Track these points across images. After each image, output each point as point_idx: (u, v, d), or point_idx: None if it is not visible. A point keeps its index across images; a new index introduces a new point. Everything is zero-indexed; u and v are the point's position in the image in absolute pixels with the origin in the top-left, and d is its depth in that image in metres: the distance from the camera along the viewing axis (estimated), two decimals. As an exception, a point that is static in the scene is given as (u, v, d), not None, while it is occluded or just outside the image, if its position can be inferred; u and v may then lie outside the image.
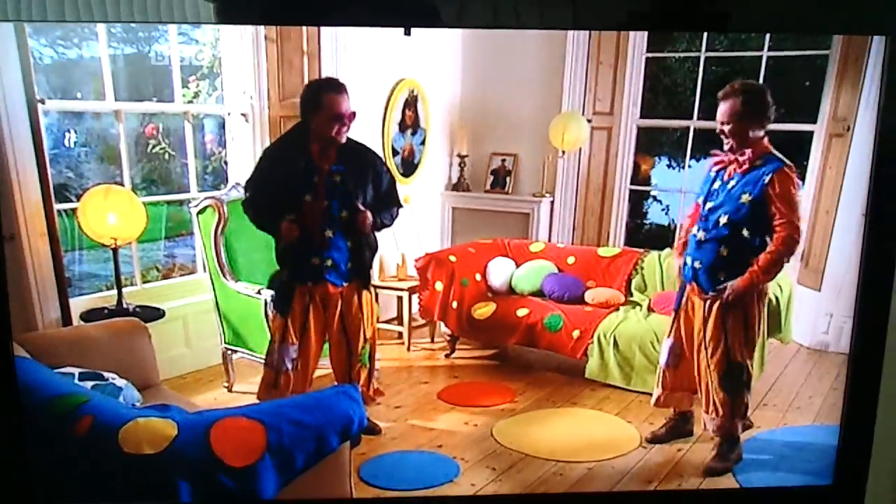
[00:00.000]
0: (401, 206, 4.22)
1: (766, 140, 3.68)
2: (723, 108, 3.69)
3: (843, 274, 4.85)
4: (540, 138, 5.93)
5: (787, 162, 3.66)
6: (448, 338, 5.40)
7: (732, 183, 3.71)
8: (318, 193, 3.89)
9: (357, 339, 4.12)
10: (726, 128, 3.69)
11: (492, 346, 5.45)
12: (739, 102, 3.65)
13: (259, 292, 4.24)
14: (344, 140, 3.88)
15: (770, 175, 3.62)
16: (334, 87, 3.85)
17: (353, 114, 3.86)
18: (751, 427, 4.00)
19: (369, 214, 3.99)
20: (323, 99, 3.82)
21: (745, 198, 3.66)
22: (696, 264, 3.85)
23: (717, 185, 3.79)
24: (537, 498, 3.71)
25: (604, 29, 5.34)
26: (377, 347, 4.42)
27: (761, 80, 5.28)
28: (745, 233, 3.70)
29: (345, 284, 4.04)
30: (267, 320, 4.18)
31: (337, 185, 3.91)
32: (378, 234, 4.10)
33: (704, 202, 3.82)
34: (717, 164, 3.81)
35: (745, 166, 3.68)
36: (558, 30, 5.21)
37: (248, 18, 3.67)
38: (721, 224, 3.73)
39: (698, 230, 3.83)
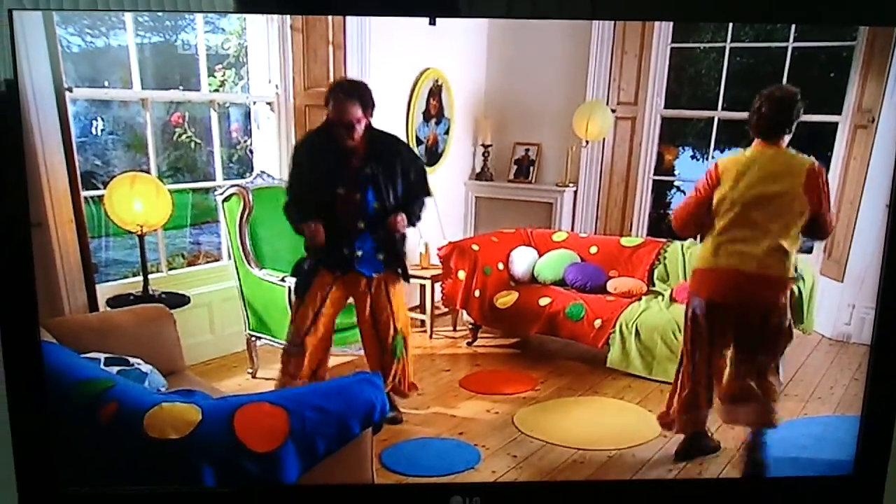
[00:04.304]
0: (430, 194, 4.21)
1: None
2: None
3: (866, 265, 4.83)
4: (564, 128, 5.93)
5: None
6: (470, 326, 5.41)
7: None
8: (349, 185, 3.92)
9: (387, 331, 4.15)
10: None
11: (514, 334, 5.46)
12: None
13: (283, 280, 4.27)
14: (357, 139, 3.88)
15: None
16: (340, 92, 3.88)
17: (353, 122, 3.84)
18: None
19: (403, 216, 4.02)
20: (329, 101, 3.87)
21: None
22: None
23: None
24: (558, 485, 3.72)
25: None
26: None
27: (786, 71, 5.27)
28: None
29: (376, 275, 4.08)
30: (290, 307, 4.21)
31: (367, 176, 3.93)
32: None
33: None
34: None
35: None
36: (580, 20, 5.21)
37: (273, 7, 3.70)
38: None
39: None
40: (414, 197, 4.10)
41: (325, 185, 3.94)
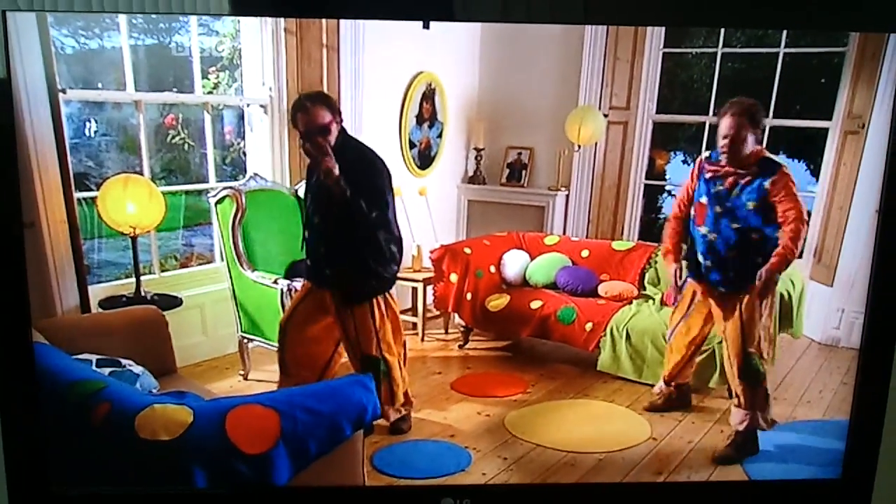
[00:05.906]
0: (379, 207, 3.87)
1: (760, 146, 3.83)
2: (726, 123, 3.78)
3: (856, 270, 4.86)
4: (556, 132, 5.95)
5: (782, 164, 3.78)
6: (462, 329, 5.41)
7: (736, 191, 3.78)
8: (308, 192, 3.91)
9: (353, 352, 4.04)
10: (726, 141, 3.79)
11: (505, 337, 5.48)
12: (741, 118, 3.74)
13: (275, 282, 4.27)
14: (328, 149, 3.67)
15: (769, 182, 3.72)
16: (299, 107, 3.72)
17: (322, 127, 3.66)
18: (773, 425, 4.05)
19: (336, 165, 3.67)
20: (294, 118, 3.75)
21: (751, 205, 3.74)
22: (708, 263, 3.92)
23: (719, 188, 3.84)
24: (548, 488, 3.73)
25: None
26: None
27: (777, 77, 5.31)
28: (755, 236, 3.77)
29: (319, 289, 3.98)
30: (283, 309, 4.20)
31: (321, 188, 3.75)
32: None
33: (712, 206, 3.88)
34: (711, 171, 3.86)
35: (748, 178, 3.75)
36: (572, 24, 5.22)
37: (267, 10, 3.70)
38: (732, 229, 3.80)
39: (709, 232, 3.89)
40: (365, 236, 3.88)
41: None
